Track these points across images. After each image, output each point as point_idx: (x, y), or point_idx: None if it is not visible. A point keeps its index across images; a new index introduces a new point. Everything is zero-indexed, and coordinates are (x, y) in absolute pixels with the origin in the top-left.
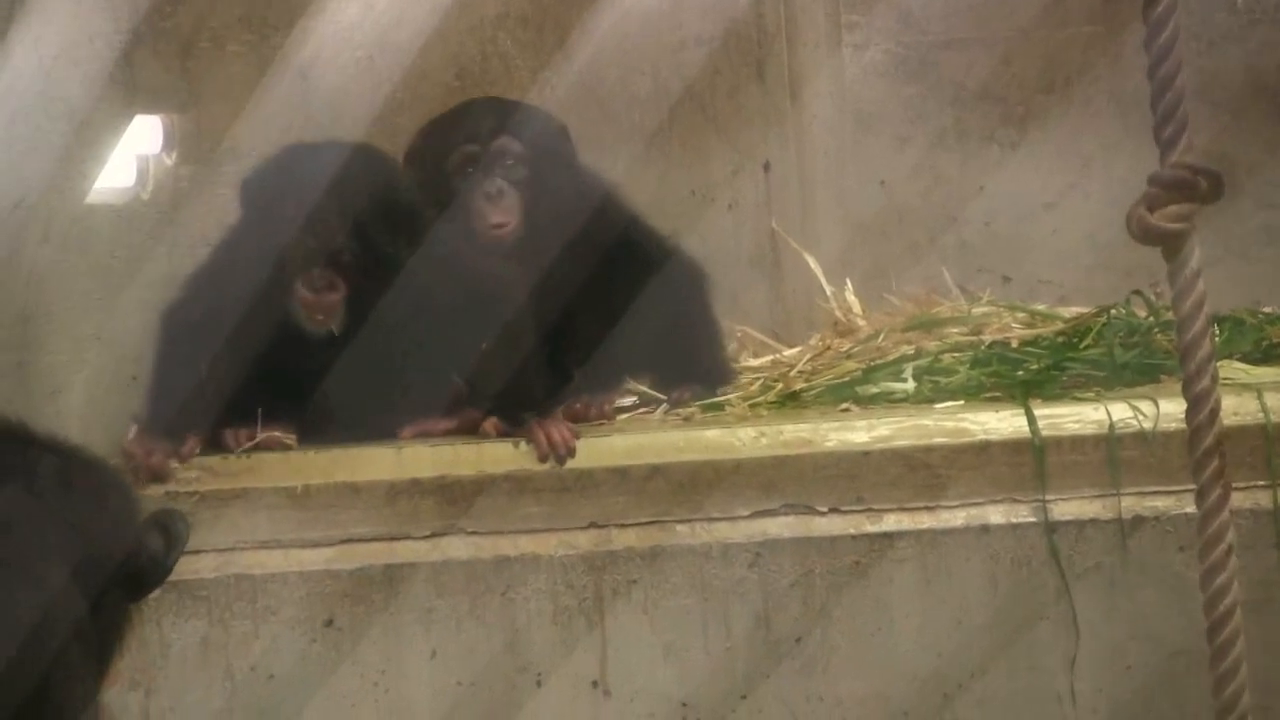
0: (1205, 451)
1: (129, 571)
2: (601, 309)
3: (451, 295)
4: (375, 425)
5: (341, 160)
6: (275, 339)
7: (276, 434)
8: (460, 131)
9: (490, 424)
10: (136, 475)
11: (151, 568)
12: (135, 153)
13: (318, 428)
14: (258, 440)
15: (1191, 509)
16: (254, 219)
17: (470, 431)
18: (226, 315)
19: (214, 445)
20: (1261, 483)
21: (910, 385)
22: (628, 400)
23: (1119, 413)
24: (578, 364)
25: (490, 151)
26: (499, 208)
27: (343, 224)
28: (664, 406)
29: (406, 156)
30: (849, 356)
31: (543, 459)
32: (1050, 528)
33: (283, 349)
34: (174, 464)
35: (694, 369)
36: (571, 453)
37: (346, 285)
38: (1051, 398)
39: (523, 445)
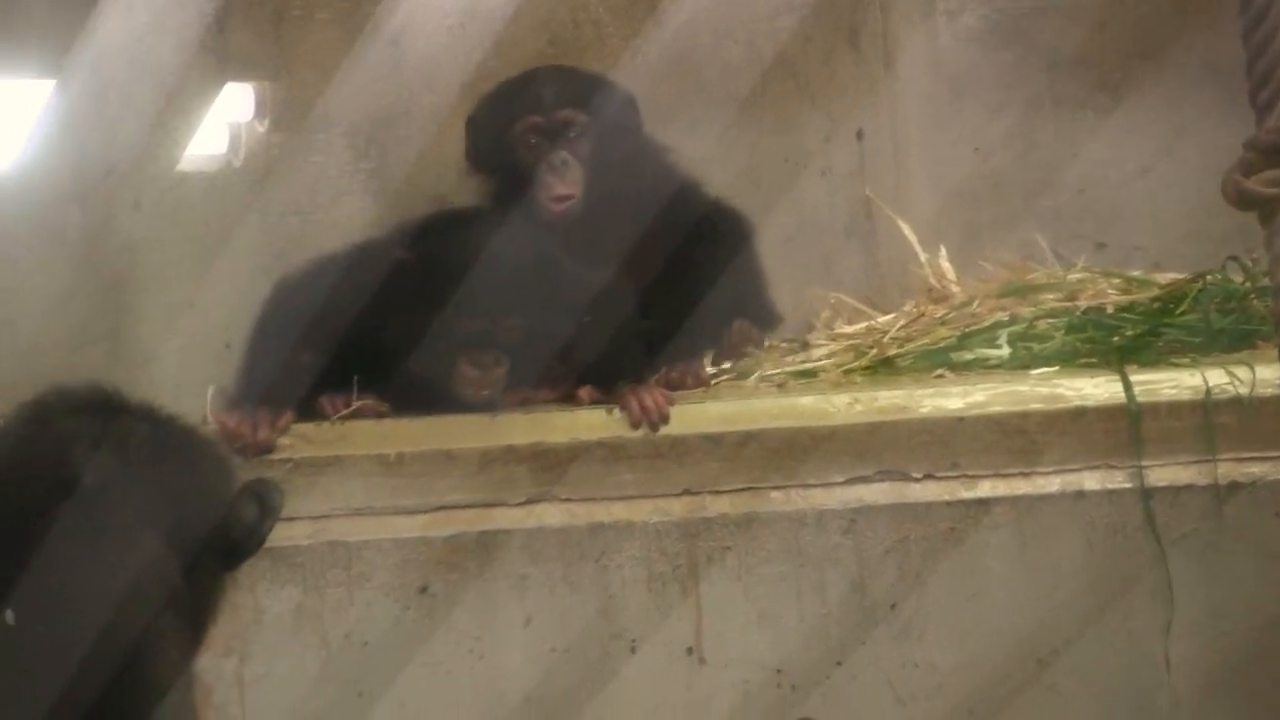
0: None
1: (223, 540)
2: (677, 274)
3: (529, 266)
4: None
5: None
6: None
7: (370, 402)
8: (524, 101)
9: (584, 391)
10: (243, 451)
11: (245, 536)
12: (227, 120)
13: (412, 397)
14: (354, 408)
15: None
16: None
17: (567, 400)
18: (339, 301)
19: (309, 413)
20: None
21: (1005, 351)
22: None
23: (1215, 379)
24: (663, 331)
25: (554, 122)
26: (562, 180)
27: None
28: (755, 375)
29: (469, 122)
30: (943, 323)
31: (635, 426)
32: (1146, 494)
33: (380, 320)
34: (272, 436)
35: (746, 308)
36: (665, 419)
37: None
38: (1147, 364)
39: (616, 412)
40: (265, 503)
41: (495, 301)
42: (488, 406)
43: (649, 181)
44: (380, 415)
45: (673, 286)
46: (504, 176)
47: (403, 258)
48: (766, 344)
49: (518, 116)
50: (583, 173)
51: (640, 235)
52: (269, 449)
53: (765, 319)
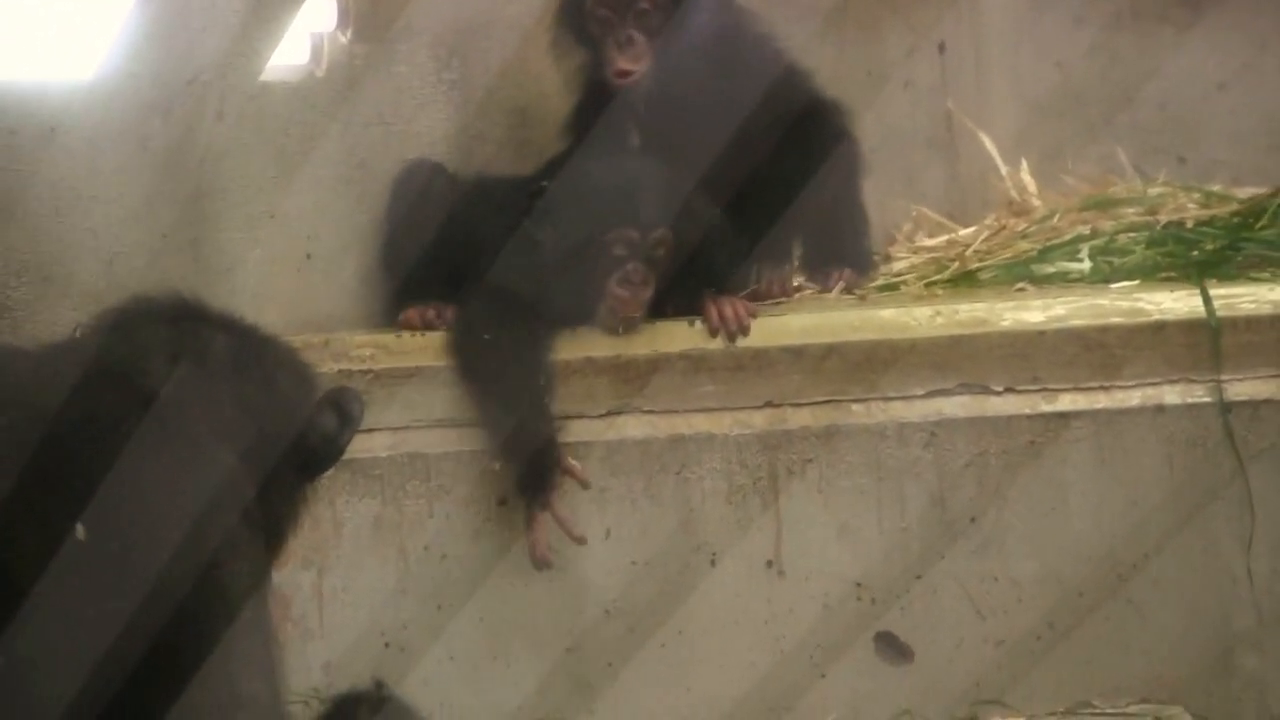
0: None
1: (301, 451)
2: (773, 179)
3: (638, 176)
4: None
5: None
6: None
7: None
8: None
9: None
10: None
11: (324, 447)
12: (310, 30)
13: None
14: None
15: None
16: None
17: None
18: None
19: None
20: None
21: (1086, 265)
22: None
23: None
24: (752, 238)
25: None
26: (625, 55)
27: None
28: (836, 288)
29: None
30: (1024, 236)
31: (713, 335)
32: (1225, 408)
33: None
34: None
35: (846, 252)
36: (745, 331)
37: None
38: (1227, 278)
39: (698, 324)
40: (345, 413)
41: (630, 214)
42: (629, 329)
43: (743, 64)
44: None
45: (767, 186)
46: (582, 52)
47: (545, 186)
48: None
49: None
50: (650, 47)
51: (734, 123)
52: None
53: (865, 264)
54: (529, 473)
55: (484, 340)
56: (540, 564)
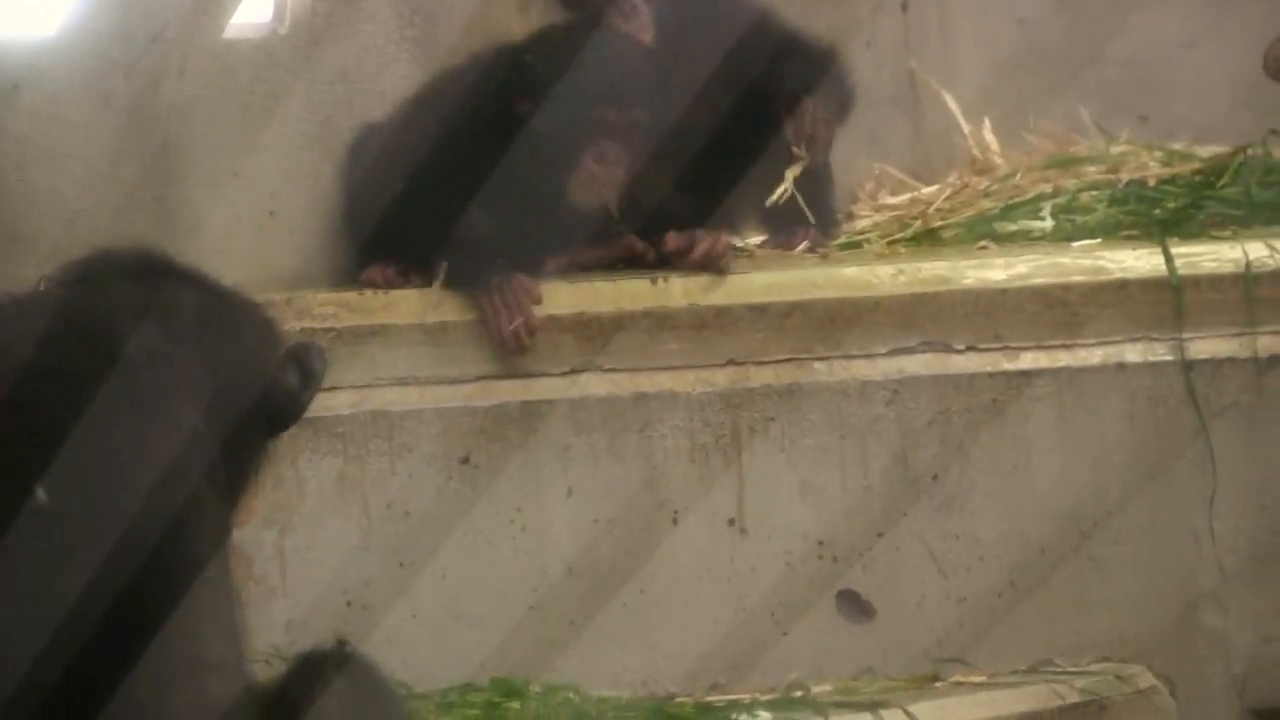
0: None
1: (264, 408)
2: (743, 139)
3: (635, 65)
4: (522, 256)
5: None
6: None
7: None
8: None
9: (641, 246)
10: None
11: (286, 404)
12: None
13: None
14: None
15: None
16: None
17: (621, 257)
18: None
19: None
20: None
21: (1048, 223)
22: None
23: (1255, 251)
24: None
25: None
26: (629, 23)
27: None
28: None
29: None
30: (987, 195)
31: (696, 262)
32: (1187, 366)
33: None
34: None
35: (811, 210)
36: (726, 262)
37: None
38: (1188, 236)
39: (661, 282)
40: (307, 369)
41: (613, 94)
42: (603, 215)
43: (733, 30)
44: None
45: (732, 150)
46: (581, 16)
47: (531, 62)
48: None
49: None
50: (653, 17)
51: (714, 87)
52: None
53: (830, 226)
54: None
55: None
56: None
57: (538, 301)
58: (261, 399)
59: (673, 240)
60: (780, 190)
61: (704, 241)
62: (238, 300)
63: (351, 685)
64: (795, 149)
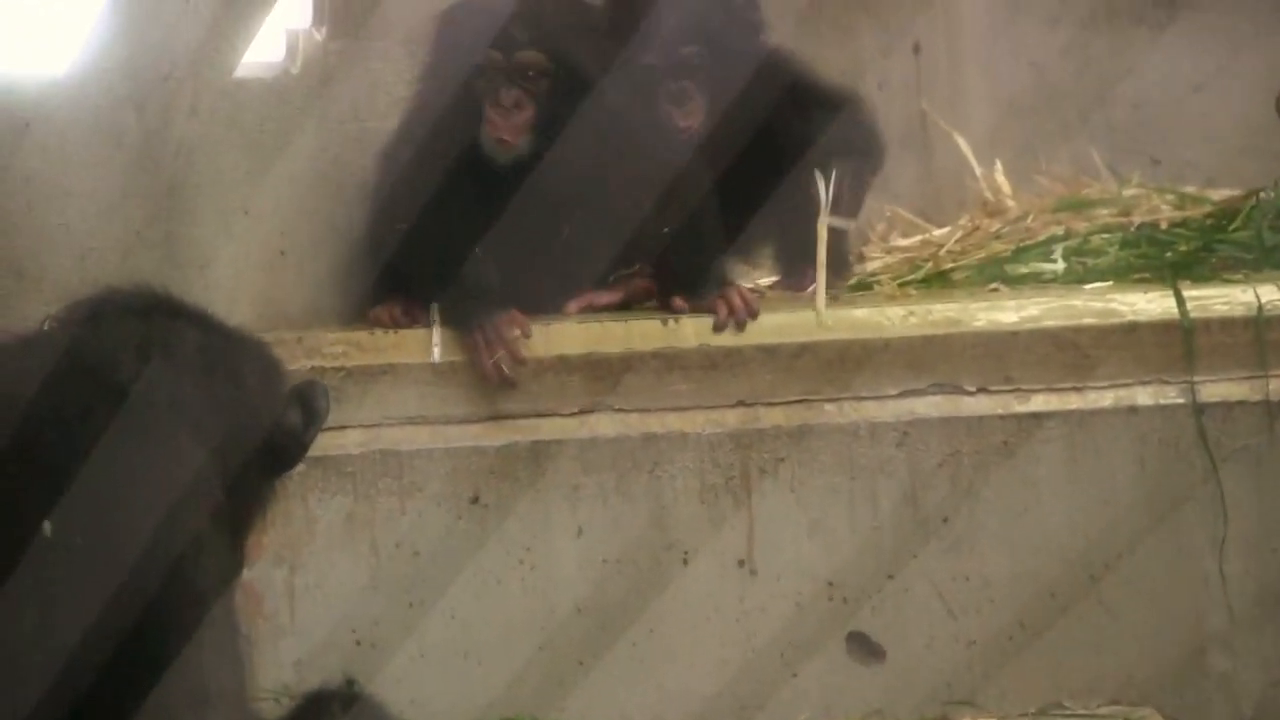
0: None
1: (269, 447)
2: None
3: (625, 165)
4: (539, 298)
5: None
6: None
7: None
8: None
9: (677, 301)
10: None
11: (289, 442)
12: (285, 27)
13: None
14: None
15: None
16: (445, 49)
17: (639, 301)
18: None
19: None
20: None
21: (1059, 266)
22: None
23: (1267, 294)
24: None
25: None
26: (684, 112)
27: (532, 40)
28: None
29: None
30: (998, 237)
31: (719, 329)
32: (1198, 409)
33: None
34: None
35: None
36: (755, 315)
37: (534, 108)
38: (1200, 279)
39: (671, 323)
40: (310, 408)
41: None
42: (516, 162)
43: (767, 87)
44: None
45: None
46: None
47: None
48: None
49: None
50: (703, 101)
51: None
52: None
53: (841, 267)
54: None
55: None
56: (492, 376)
57: (526, 335)
58: (266, 437)
59: (678, 304)
60: (813, 246)
61: (721, 311)
62: (242, 339)
63: None
64: (833, 219)
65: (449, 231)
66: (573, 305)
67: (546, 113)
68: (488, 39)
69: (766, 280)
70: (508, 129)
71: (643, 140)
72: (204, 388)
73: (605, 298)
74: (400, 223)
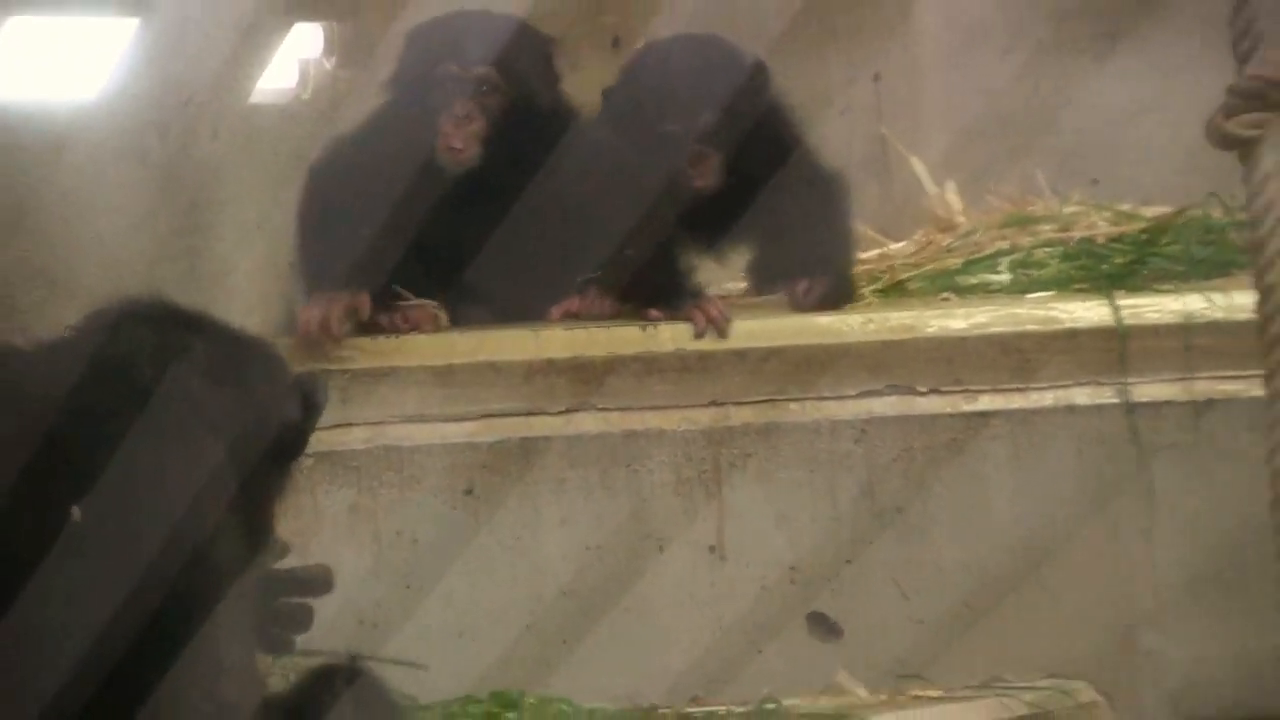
0: (1274, 339)
1: (275, 438)
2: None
3: (608, 179)
4: (523, 303)
5: (494, 17)
6: (429, 200)
7: (430, 304)
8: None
9: (652, 311)
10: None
11: (292, 434)
12: (297, 57)
13: (467, 305)
14: (413, 307)
15: (1259, 392)
16: (408, 63)
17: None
18: (379, 169)
19: (369, 328)
20: None
21: (1005, 277)
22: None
23: (1195, 304)
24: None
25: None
26: (701, 172)
27: (487, 57)
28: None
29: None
30: (949, 251)
31: (699, 335)
32: (1131, 408)
33: (439, 223)
34: (346, 324)
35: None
36: (730, 324)
37: (486, 122)
38: (1133, 289)
39: (650, 329)
40: (309, 400)
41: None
42: (466, 171)
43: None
44: (436, 320)
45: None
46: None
47: None
48: None
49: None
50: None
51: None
52: (336, 333)
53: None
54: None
55: None
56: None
57: (361, 318)
58: (273, 430)
59: (653, 314)
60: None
61: (699, 321)
62: (248, 340)
63: (359, 696)
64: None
65: (386, 232)
66: (556, 311)
67: (498, 127)
68: (449, 50)
69: (736, 288)
70: (459, 138)
71: (645, 187)
72: (215, 387)
73: (576, 305)
74: (339, 214)
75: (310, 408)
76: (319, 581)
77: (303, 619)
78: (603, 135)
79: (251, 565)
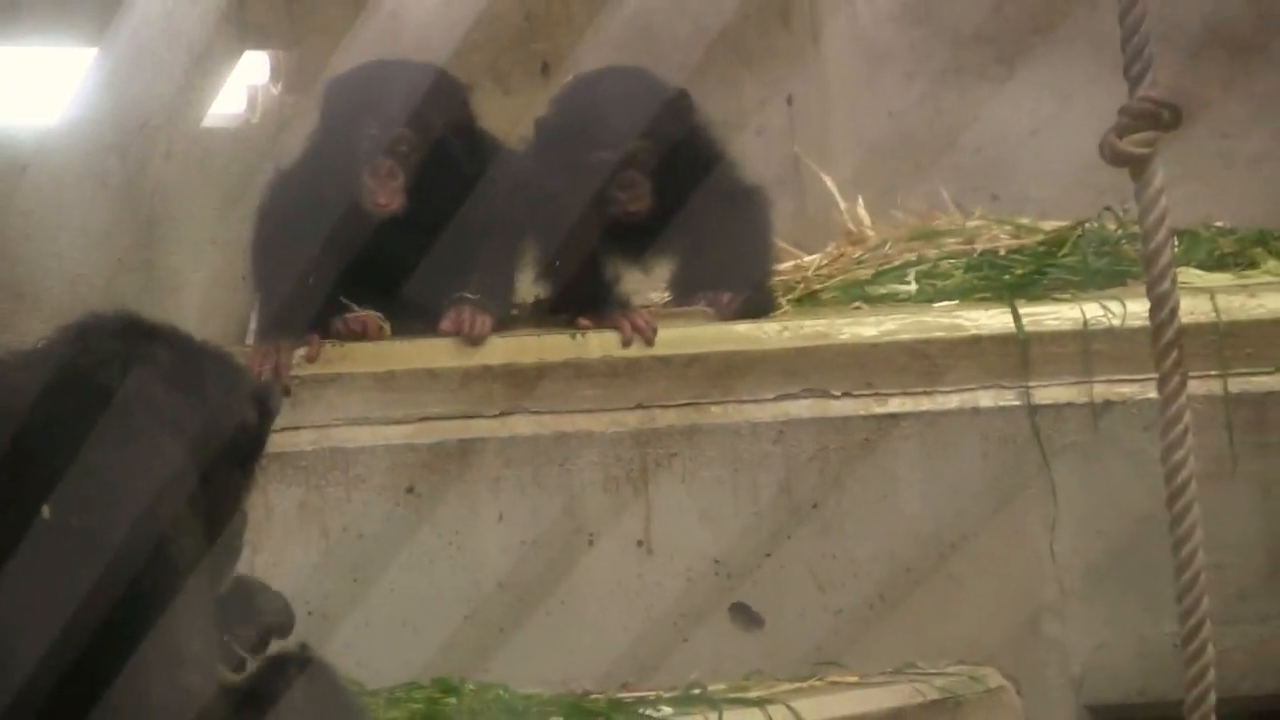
0: (1166, 345)
1: (232, 441)
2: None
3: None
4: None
5: (408, 72)
6: (363, 237)
7: (375, 314)
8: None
9: (584, 319)
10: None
11: (248, 438)
12: (246, 84)
13: (408, 318)
14: (359, 315)
15: (1154, 394)
16: (331, 119)
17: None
18: (316, 211)
19: (323, 335)
20: (1213, 372)
21: (912, 287)
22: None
23: (1092, 311)
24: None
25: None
26: (632, 196)
27: (404, 117)
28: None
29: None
30: (860, 263)
31: (626, 344)
32: (1033, 410)
33: (374, 250)
34: (299, 357)
35: (735, 274)
36: (655, 333)
37: (406, 175)
38: (1034, 298)
39: (579, 336)
40: (264, 405)
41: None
42: (391, 217)
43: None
44: (381, 330)
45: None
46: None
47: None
48: None
49: (584, 150)
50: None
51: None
52: (284, 376)
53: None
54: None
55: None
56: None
57: (310, 359)
58: (230, 433)
59: (583, 323)
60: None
61: (626, 329)
62: (207, 350)
63: (311, 682)
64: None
65: (326, 261)
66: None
67: (419, 173)
68: (368, 111)
69: (660, 298)
70: (383, 194)
71: (575, 208)
72: (176, 394)
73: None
74: (284, 253)
75: (265, 412)
76: (280, 625)
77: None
78: (535, 162)
79: (214, 555)
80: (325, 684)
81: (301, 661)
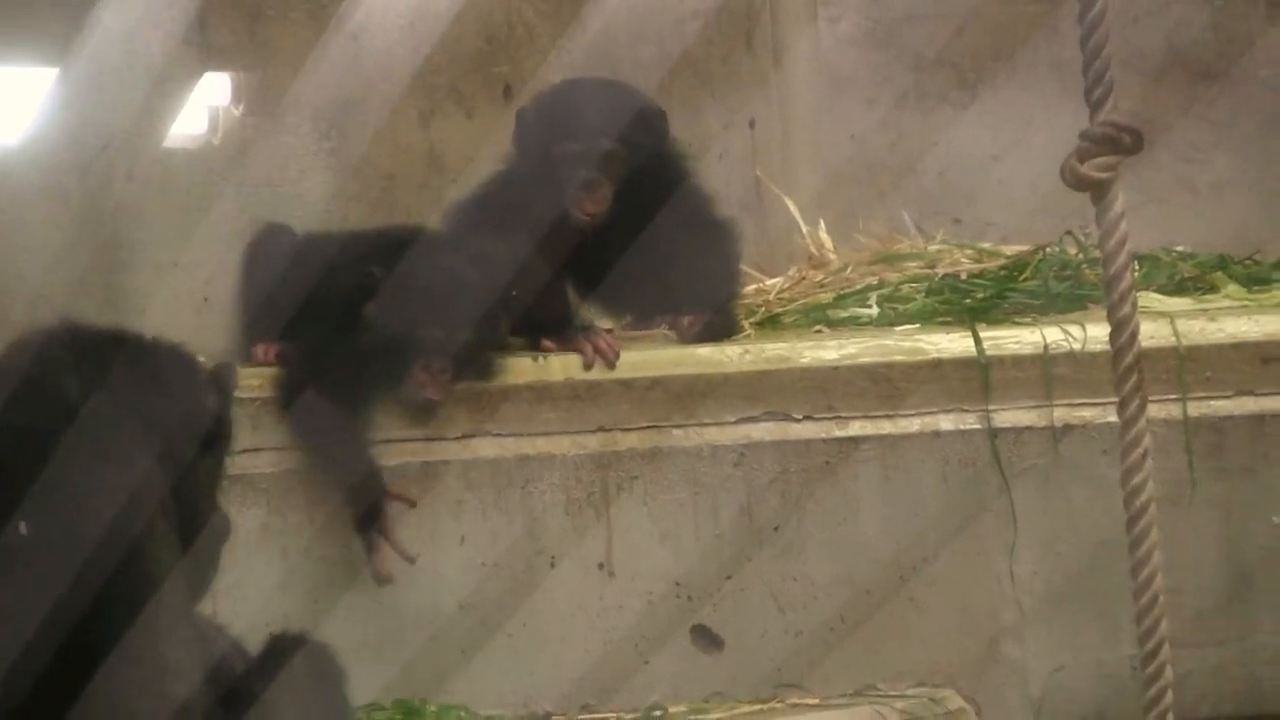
0: (1126, 369)
1: (198, 433)
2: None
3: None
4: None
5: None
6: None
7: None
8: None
9: (547, 342)
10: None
11: (213, 423)
12: (208, 104)
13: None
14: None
15: (1114, 418)
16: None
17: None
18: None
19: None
20: (1173, 396)
21: (874, 310)
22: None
23: (1052, 335)
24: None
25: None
26: (593, 199)
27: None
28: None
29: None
30: (821, 286)
31: (589, 366)
32: (993, 433)
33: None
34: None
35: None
36: (617, 356)
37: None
38: (995, 322)
39: (541, 359)
40: (223, 387)
41: (451, 316)
42: (428, 407)
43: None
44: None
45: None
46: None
47: (374, 272)
48: None
49: (555, 140)
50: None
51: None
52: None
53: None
54: (363, 512)
55: (306, 398)
56: (382, 581)
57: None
58: (194, 423)
59: (546, 346)
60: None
61: (588, 352)
62: (160, 345)
63: (308, 660)
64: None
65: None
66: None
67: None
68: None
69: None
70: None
71: (542, 214)
72: (136, 389)
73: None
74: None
75: (223, 392)
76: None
77: None
78: (510, 156)
79: (194, 560)
80: (321, 661)
81: (296, 640)
